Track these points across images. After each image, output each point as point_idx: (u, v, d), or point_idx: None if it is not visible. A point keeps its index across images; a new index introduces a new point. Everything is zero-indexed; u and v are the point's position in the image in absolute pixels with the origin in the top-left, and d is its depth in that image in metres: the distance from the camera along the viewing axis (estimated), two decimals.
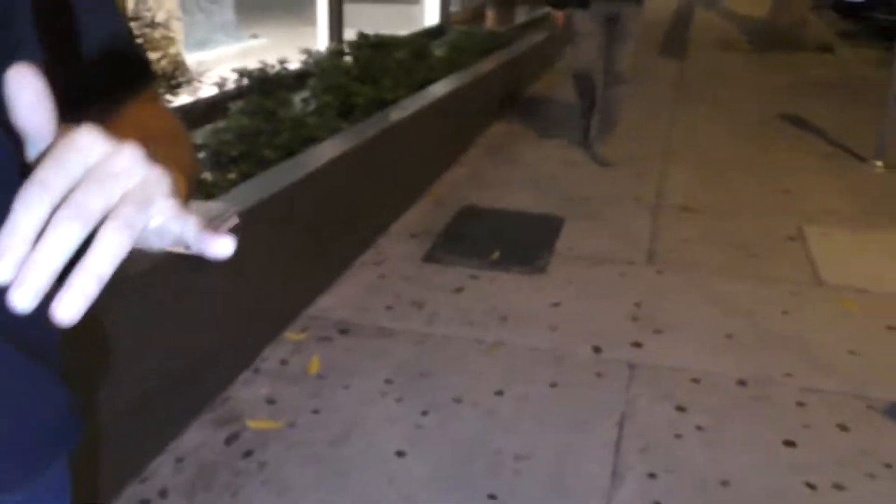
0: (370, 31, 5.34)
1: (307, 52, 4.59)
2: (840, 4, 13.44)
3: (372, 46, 4.63)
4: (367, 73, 4.38)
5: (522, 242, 3.88)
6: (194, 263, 2.16)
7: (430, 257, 3.74)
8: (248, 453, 2.25)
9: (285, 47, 5.27)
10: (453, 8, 8.23)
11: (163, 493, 2.07)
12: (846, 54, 9.89)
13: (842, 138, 5.78)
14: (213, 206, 2.35)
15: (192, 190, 0.63)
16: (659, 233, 4.03)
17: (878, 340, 3.03)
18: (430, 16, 7.36)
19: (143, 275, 2.08)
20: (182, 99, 3.64)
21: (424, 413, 2.46)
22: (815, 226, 4.14)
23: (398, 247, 3.80)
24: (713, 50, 10.01)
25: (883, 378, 2.73)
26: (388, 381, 2.63)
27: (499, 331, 3.00)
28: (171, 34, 3.60)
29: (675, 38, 10.56)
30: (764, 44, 10.00)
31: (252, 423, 2.38)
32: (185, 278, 2.28)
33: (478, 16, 8.51)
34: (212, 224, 0.44)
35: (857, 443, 2.37)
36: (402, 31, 6.56)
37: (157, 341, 2.19)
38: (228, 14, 6.71)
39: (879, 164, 5.11)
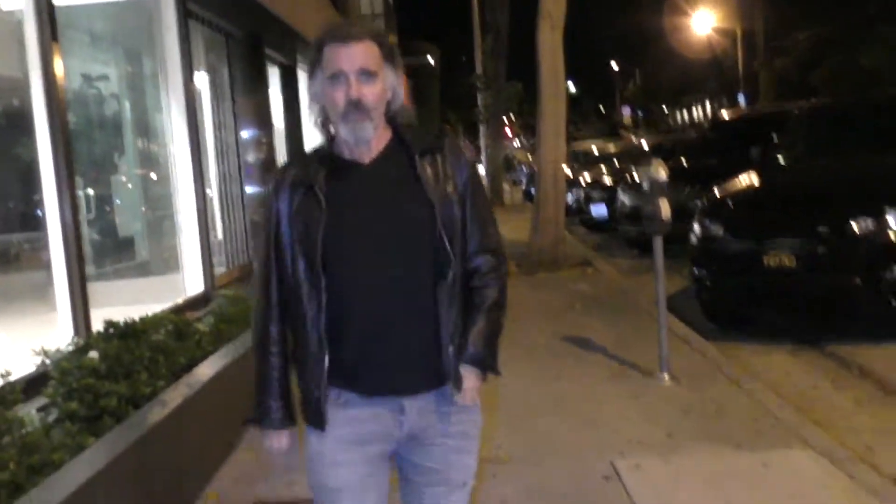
0: (127, 308, 4.81)
1: (43, 352, 3.96)
2: (588, 221, 14.70)
3: (122, 335, 4.09)
4: (118, 367, 3.81)
5: None
6: None
7: None
8: None
9: (26, 340, 4.59)
10: (220, 268, 7.87)
11: None
12: (602, 266, 10.56)
13: (624, 353, 5.85)
14: None
15: None
16: (476, 496, 3.63)
17: None
18: (193, 283, 6.94)
19: None
20: None
21: None
22: (625, 459, 3.95)
23: None
24: None
25: None
26: None
27: None
28: None
29: None
30: (529, 266, 10.46)
31: None
32: None
33: (246, 274, 8.20)
34: None
35: None
36: (163, 305, 6.06)
37: None
38: None
39: (666, 376, 5.15)
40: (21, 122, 5.15)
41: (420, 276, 1.97)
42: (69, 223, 4.88)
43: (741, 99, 35.51)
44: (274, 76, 10.66)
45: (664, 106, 58.90)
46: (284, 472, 4.02)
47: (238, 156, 8.61)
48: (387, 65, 1.99)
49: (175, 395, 3.81)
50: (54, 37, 4.87)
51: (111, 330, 4.18)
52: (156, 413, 3.55)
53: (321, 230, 1.94)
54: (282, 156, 10.10)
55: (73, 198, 4.92)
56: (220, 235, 8.03)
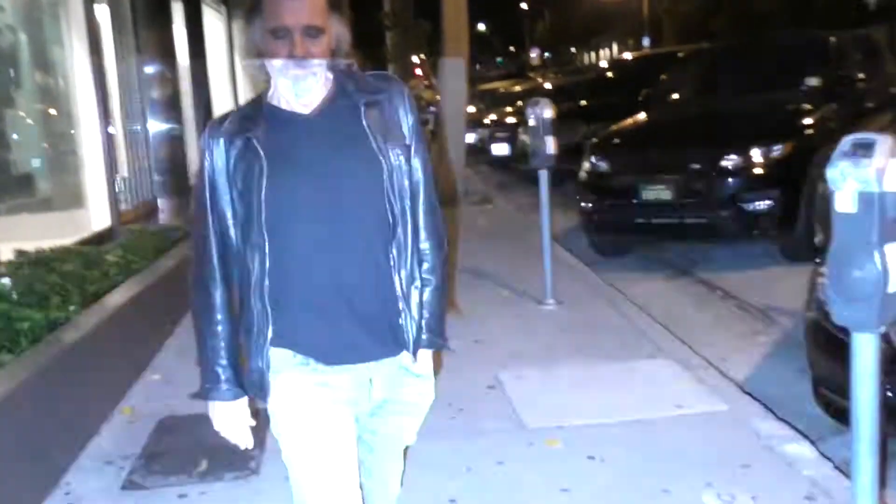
0: (32, 242, 4.94)
1: None
2: (491, 159, 15.13)
3: (33, 263, 4.27)
4: (30, 294, 4.00)
5: (231, 444, 3.66)
6: None
7: (130, 484, 3.40)
8: None
9: None
10: (124, 205, 7.94)
11: None
12: (501, 202, 11.03)
13: (514, 282, 6.32)
14: None
15: None
16: None
17: (582, 472, 3.24)
18: (98, 219, 7.02)
19: None
20: None
21: None
22: (508, 371, 4.41)
23: (91, 480, 3.41)
24: None
25: None
26: None
27: None
28: None
29: None
30: None
31: None
32: None
33: (151, 210, 8.30)
34: None
35: None
36: (70, 239, 6.17)
37: None
38: None
39: (550, 300, 5.63)
40: None
41: (370, 233, 1.84)
42: None
43: (646, 42, 36.46)
44: (178, 11, 10.54)
45: (573, 48, 59.63)
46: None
47: (141, 91, 8.60)
48: (333, 14, 1.84)
49: (89, 320, 4.04)
50: None
51: (22, 259, 4.35)
52: (71, 335, 3.79)
53: (263, 187, 1.78)
54: (186, 93, 10.07)
55: None
56: (125, 172, 8.08)
